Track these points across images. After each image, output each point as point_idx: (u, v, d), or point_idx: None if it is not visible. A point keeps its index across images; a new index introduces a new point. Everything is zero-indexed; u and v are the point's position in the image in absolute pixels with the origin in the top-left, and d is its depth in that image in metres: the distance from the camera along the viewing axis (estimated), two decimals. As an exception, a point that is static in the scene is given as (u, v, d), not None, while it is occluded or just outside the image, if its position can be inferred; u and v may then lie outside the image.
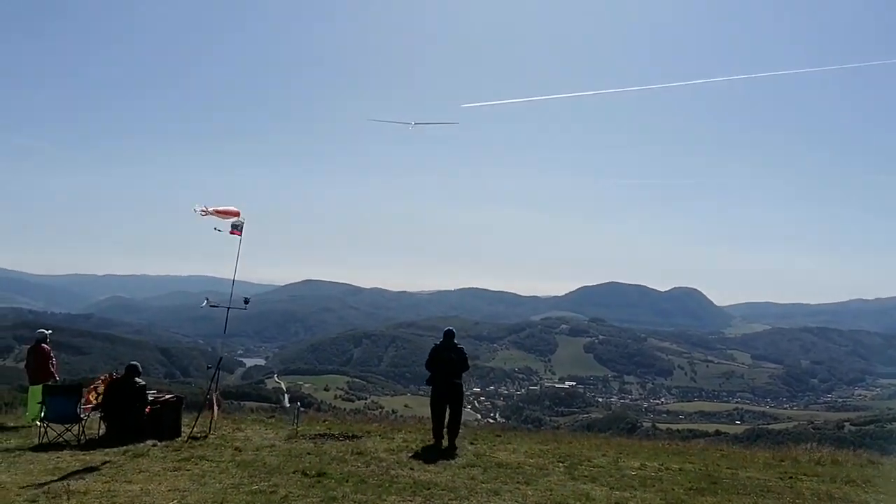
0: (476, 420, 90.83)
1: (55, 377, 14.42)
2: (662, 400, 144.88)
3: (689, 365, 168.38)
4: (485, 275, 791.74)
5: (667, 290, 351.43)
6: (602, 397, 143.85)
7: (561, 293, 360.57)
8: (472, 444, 12.96)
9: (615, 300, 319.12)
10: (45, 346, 14.69)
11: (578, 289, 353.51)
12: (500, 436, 14.53)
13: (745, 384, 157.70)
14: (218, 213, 12.54)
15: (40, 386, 13.47)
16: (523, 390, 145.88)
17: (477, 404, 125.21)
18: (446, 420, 12.59)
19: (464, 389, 13.04)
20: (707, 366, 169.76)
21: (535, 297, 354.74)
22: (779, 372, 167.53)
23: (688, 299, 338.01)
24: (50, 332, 15.20)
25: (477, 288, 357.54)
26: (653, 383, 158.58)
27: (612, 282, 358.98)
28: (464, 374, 12.97)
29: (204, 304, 13.48)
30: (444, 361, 12.74)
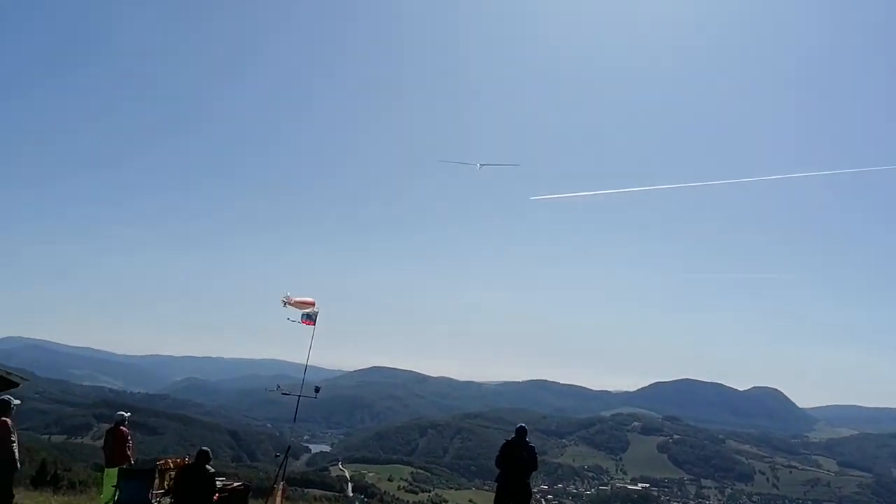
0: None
1: (131, 460, 14.66)
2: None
3: (770, 470, 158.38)
4: (554, 366, 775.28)
5: (745, 389, 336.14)
6: (677, 501, 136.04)
7: (633, 388, 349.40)
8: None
9: (690, 398, 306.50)
10: (124, 428, 15.02)
11: (651, 384, 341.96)
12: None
13: (831, 493, 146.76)
14: (298, 303, 12.99)
15: (116, 469, 13.75)
16: (593, 490, 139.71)
17: (545, 503, 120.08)
18: None
19: (532, 490, 12.61)
20: (790, 472, 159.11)
21: (605, 392, 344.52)
22: (868, 481, 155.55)
23: (768, 399, 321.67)
24: (129, 414, 15.47)
25: (545, 380, 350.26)
26: (732, 489, 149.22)
27: (687, 378, 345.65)
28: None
29: (275, 389, 13.71)
30: (514, 460, 12.33)
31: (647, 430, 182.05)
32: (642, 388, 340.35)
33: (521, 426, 12.96)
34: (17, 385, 11.47)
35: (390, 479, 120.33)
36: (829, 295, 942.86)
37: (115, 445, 14.78)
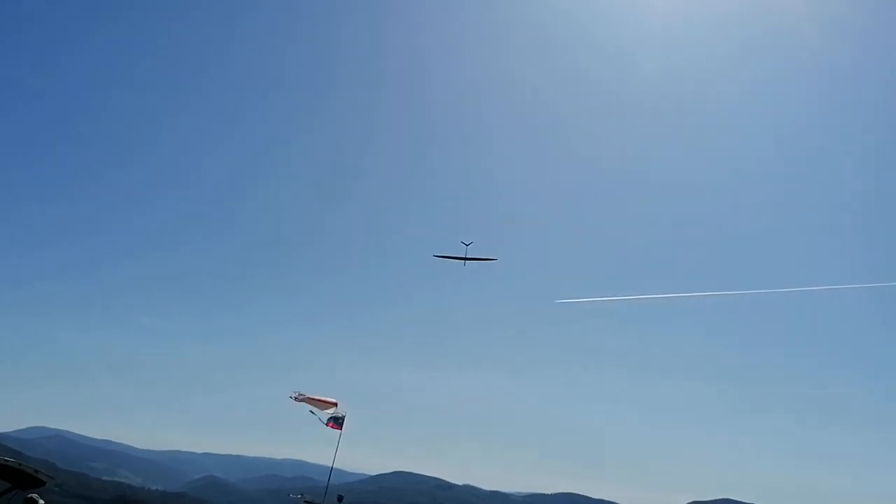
0: None
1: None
2: None
3: None
4: (585, 478, 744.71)
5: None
6: None
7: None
8: None
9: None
10: None
11: None
12: None
13: None
14: (312, 400, 12.96)
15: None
16: None
17: None
18: None
19: None
20: None
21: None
22: None
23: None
24: None
25: (576, 493, 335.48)
26: None
27: (727, 499, 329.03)
28: None
29: (299, 497, 13.50)
30: None
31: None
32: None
33: None
34: (44, 484, 11.55)
35: None
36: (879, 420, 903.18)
37: None
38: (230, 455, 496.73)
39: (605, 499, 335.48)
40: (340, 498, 13.65)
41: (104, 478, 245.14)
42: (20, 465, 11.54)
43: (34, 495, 11.39)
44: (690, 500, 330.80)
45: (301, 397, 12.96)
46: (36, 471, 11.63)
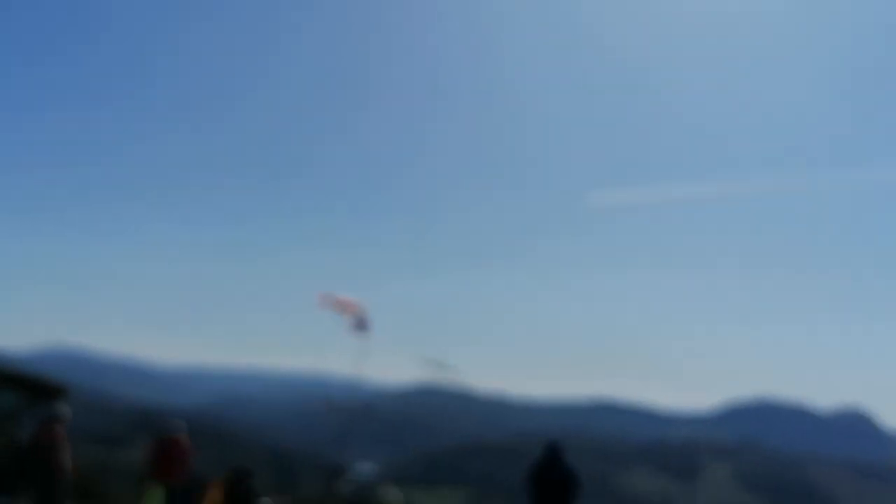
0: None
1: (177, 476, 14.79)
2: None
3: (858, 499, 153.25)
4: (617, 382, 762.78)
5: (830, 409, 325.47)
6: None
7: (704, 408, 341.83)
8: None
9: (767, 419, 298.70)
10: (181, 440, 15.01)
11: (724, 404, 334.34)
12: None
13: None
14: (338, 303, 13.00)
15: (162, 484, 14.03)
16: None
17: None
18: None
19: None
20: (881, 502, 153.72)
21: (673, 411, 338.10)
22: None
23: (856, 422, 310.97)
24: (178, 428, 15.21)
25: (608, 397, 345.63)
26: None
27: (764, 397, 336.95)
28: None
29: (324, 403, 13.81)
30: (545, 484, 10.82)
31: (721, 454, 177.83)
32: (715, 408, 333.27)
33: (551, 442, 11.44)
34: (63, 395, 11.97)
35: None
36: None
37: (166, 459, 14.53)
38: (250, 368, 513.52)
39: (638, 401, 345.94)
40: (367, 406, 13.81)
41: (123, 394, 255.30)
42: (38, 376, 11.90)
43: (58, 408, 11.88)
44: (726, 400, 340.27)
45: (329, 299, 12.93)
46: (54, 382, 12.01)
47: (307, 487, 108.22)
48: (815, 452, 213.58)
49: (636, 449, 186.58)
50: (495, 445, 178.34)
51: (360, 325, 13.01)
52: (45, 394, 11.97)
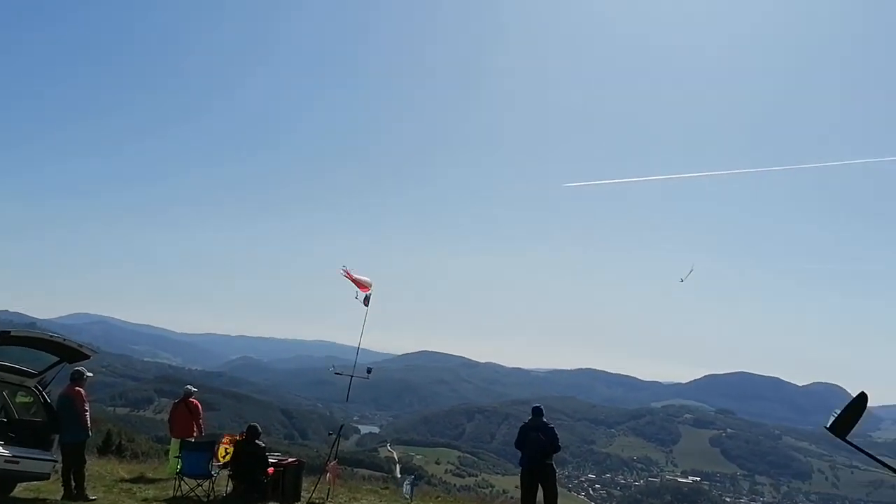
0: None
1: (199, 433, 15.29)
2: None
3: (830, 469, 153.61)
4: (603, 355, 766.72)
5: (805, 384, 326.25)
6: (730, 497, 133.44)
7: (685, 380, 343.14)
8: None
9: (745, 392, 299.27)
10: (195, 401, 15.69)
11: (704, 377, 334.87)
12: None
13: None
14: (355, 281, 13.22)
15: (180, 440, 14.41)
16: (642, 481, 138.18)
17: (591, 492, 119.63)
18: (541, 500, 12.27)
19: (555, 469, 12.64)
20: (852, 472, 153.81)
21: (656, 383, 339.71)
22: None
23: (830, 396, 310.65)
24: (196, 390, 16.11)
25: (594, 369, 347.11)
26: (788, 486, 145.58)
27: (743, 371, 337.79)
28: (556, 456, 12.57)
29: (331, 369, 14.10)
30: (531, 441, 12.32)
31: (700, 423, 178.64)
32: (695, 380, 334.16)
33: (536, 406, 12.95)
34: (88, 357, 12.18)
35: (437, 463, 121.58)
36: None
37: (185, 418, 15.38)
38: (262, 338, 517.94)
39: (622, 373, 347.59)
40: (369, 370, 14.17)
41: (146, 359, 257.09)
42: (65, 340, 12.09)
43: (81, 368, 12.12)
44: (707, 373, 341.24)
45: (348, 274, 13.12)
46: (80, 345, 12.21)
47: (315, 443, 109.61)
48: (789, 424, 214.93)
49: (620, 415, 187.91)
50: (489, 409, 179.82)
51: (367, 300, 13.21)
52: (76, 356, 12.22)
